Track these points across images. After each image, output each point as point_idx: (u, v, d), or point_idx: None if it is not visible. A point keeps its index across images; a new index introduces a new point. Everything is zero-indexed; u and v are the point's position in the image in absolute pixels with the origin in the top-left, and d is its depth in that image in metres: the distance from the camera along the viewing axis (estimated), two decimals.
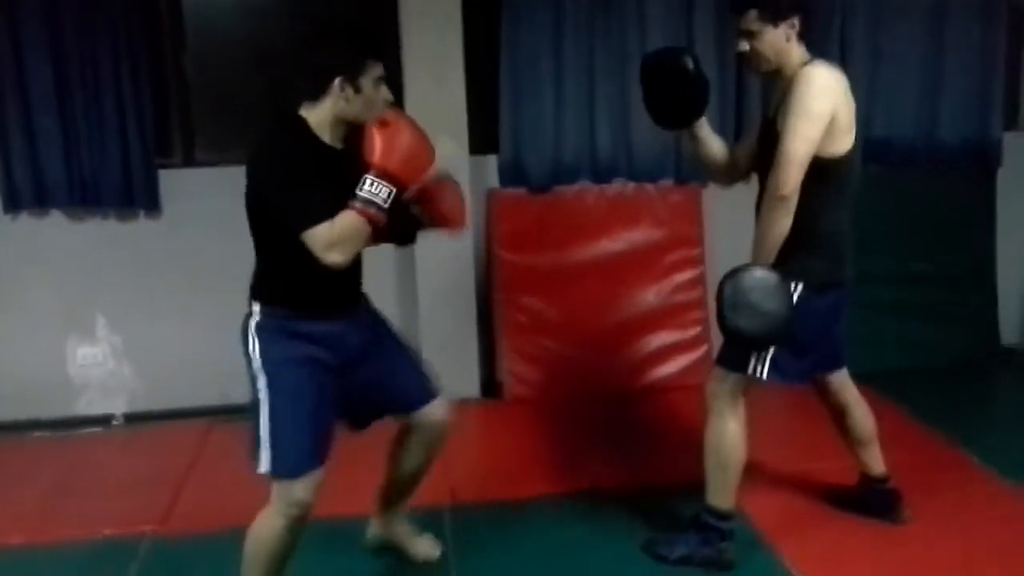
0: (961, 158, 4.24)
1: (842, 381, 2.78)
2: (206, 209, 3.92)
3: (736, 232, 4.20)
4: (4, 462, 3.62)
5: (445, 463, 3.38)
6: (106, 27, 3.67)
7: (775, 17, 2.40)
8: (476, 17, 3.87)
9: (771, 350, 2.48)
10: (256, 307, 2.30)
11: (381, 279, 4.06)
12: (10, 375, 3.91)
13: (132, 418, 4.03)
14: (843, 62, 3.72)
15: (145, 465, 3.55)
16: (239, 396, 3.96)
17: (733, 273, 2.43)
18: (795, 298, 2.44)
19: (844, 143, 2.42)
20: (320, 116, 2.21)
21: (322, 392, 2.26)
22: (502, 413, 3.93)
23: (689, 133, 2.66)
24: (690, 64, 2.51)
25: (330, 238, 2.08)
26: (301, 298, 2.25)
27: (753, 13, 2.41)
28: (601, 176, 4.09)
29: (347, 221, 2.09)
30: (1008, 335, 4.47)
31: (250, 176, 2.24)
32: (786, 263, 2.43)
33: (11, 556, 2.89)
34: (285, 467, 2.23)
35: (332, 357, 2.28)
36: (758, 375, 2.52)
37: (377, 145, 2.09)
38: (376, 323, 2.49)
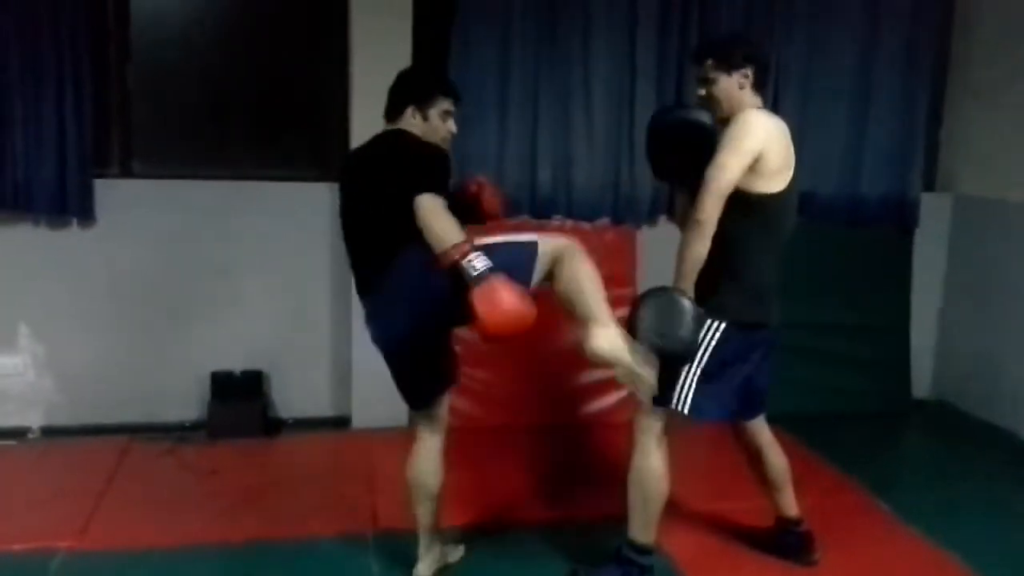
0: (881, 216, 4.45)
1: (759, 425, 2.87)
2: (141, 221, 3.88)
3: (669, 272, 4.37)
4: None
5: (371, 489, 3.41)
6: (50, 30, 3.61)
7: (729, 67, 2.57)
8: (424, 52, 3.94)
9: (692, 386, 2.57)
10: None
11: (316, 304, 4.09)
12: None
13: (49, 432, 3.91)
14: None
15: (61, 480, 3.46)
16: (161, 414, 3.96)
17: (653, 293, 2.50)
18: (713, 332, 2.54)
19: (773, 184, 2.53)
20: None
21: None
22: None
23: (687, 185, 2.69)
24: (708, 120, 2.62)
25: (435, 208, 2.27)
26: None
27: (710, 62, 2.59)
28: (540, 212, 4.17)
29: (447, 220, 2.27)
30: (919, 388, 4.66)
31: (395, 160, 2.44)
32: (708, 299, 2.53)
33: None
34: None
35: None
36: (680, 409, 2.60)
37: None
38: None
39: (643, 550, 2.71)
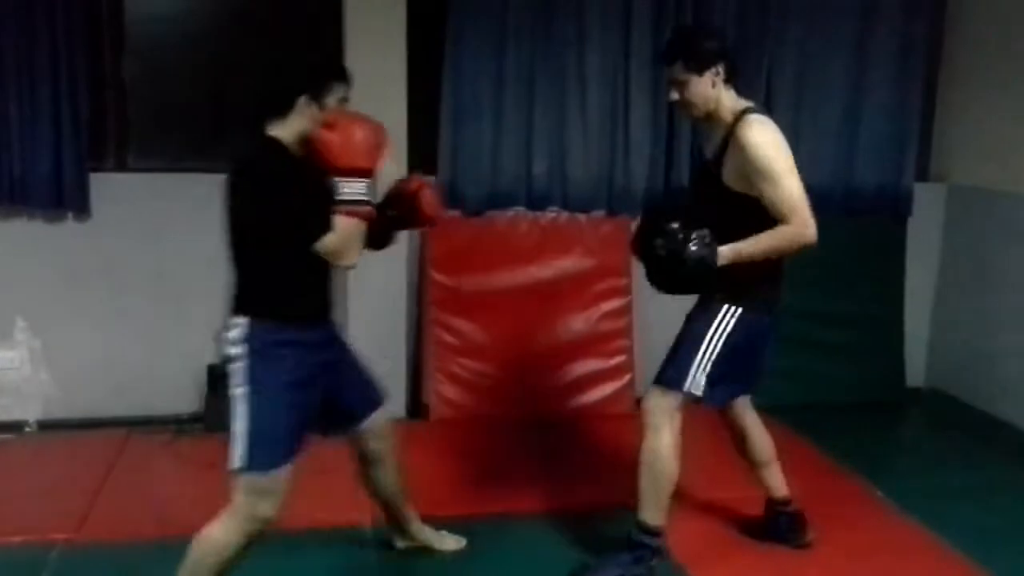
0: (875, 205, 4.47)
1: (744, 404, 2.91)
2: (137, 215, 3.88)
3: None
4: None
5: None
6: (45, 24, 3.60)
7: (699, 67, 2.56)
8: (420, 40, 3.94)
9: (706, 369, 2.61)
10: (242, 320, 2.31)
11: None
12: None
13: (46, 425, 3.92)
14: (769, 110, 3.90)
15: (59, 473, 3.47)
16: (159, 407, 3.96)
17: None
18: (728, 318, 2.59)
19: None
20: (289, 132, 2.29)
21: (305, 398, 2.36)
22: (426, 434, 3.95)
23: None
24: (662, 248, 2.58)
25: (336, 246, 2.22)
26: (289, 308, 2.33)
27: (679, 65, 2.58)
28: (535, 204, 4.18)
29: (344, 227, 2.22)
30: (913, 377, 4.69)
31: (236, 196, 2.28)
32: (724, 285, 2.57)
33: None
34: (258, 462, 2.29)
35: (317, 363, 2.39)
36: (694, 392, 2.63)
37: (336, 147, 2.19)
38: (340, 332, 2.62)
39: (653, 532, 2.72)
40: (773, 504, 2.99)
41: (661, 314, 4.37)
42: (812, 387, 4.37)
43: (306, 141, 2.28)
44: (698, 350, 2.62)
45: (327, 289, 2.44)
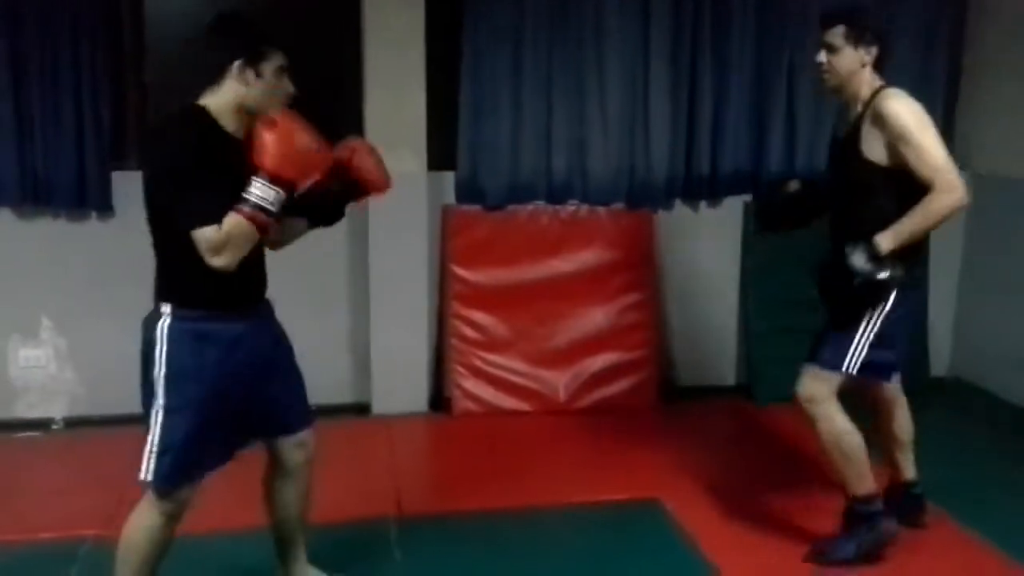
0: None
1: (895, 380, 2.92)
2: None
3: (685, 256, 4.36)
4: None
5: (392, 475, 3.44)
6: (67, 26, 3.64)
7: (857, 40, 2.58)
8: (439, 35, 3.94)
9: (864, 349, 2.62)
10: (166, 308, 2.18)
11: (334, 291, 4.11)
12: None
13: (72, 423, 3.96)
14: (790, 104, 3.89)
15: (86, 470, 3.50)
16: None
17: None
18: (892, 296, 2.59)
19: None
20: (221, 102, 2.14)
21: (221, 404, 2.20)
22: (449, 428, 3.97)
23: None
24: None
25: (216, 241, 2.02)
26: (210, 297, 2.15)
27: (840, 29, 2.60)
28: (556, 197, 4.17)
29: (234, 225, 2.03)
30: (937, 366, 4.65)
31: (145, 169, 2.17)
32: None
33: None
34: (162, 478, 2.21)
35: (237, 361, 2.21)
36: (852, 371, 2.65)
37: (267, 147, 2.02)
38: (281, 337, 2.42)
39: (868, 499, 2.74)
40: (901, 485, 3.01)
41: (682, 306, 4.40)
42: None
43: (243, 114, 2.14)
44: (857, 328, 2.63)
45: (252, 275, 2.22)
